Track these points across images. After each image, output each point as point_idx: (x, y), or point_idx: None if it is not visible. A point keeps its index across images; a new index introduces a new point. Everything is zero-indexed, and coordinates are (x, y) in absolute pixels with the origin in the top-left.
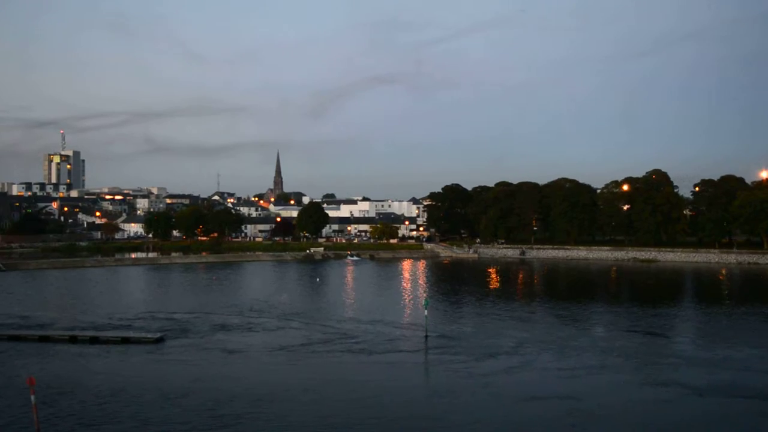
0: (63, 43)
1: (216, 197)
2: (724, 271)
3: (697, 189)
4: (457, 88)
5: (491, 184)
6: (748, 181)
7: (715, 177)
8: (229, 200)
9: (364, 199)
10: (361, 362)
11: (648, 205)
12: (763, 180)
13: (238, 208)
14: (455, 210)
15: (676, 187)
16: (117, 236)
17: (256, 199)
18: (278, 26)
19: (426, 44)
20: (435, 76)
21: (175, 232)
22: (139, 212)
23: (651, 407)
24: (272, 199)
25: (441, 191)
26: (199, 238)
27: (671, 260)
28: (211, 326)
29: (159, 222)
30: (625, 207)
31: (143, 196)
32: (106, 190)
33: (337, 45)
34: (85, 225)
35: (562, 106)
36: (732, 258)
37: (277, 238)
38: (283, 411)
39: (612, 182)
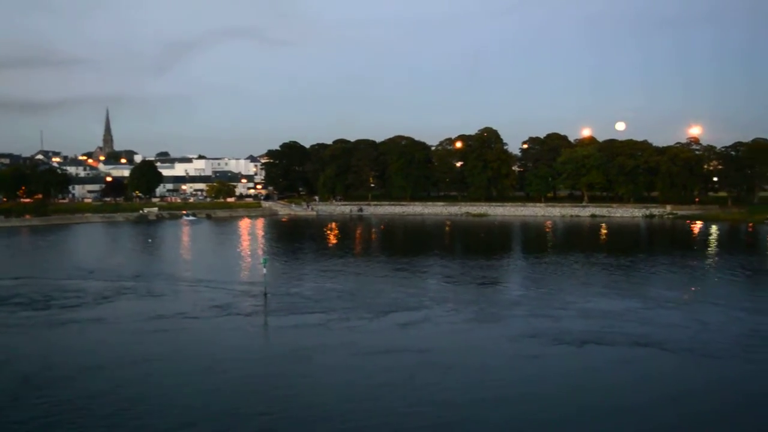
0: None
1: (40, 156)
2: (549, 224)
3: (525, 146)
4: (307, 43)
5: (329, 142)
6: (572, 138)
7: (542, 135)
8: (54, 159)
9: (200, 157)
10: (199, 328)
11: (480, 161)
12: (584, 138)
13: (64, 167)
14: (293, 168)
15: (506, 144)
16: None
17: (85, 158)
18: None
19: None
20: (289, 29)
21: None
22: None
23: (496, 354)
24: (102, 158)
25: (279, 149)
26: (22, 200)
27: (501, 214)
28: (34, 295)
29: None
30: (459, 164)
31: None
32: None
33: None
34: None
35: (409, 64)
36: (556, 211)
37: (108, 199)
38: (108, 384)
39: (446, 139)
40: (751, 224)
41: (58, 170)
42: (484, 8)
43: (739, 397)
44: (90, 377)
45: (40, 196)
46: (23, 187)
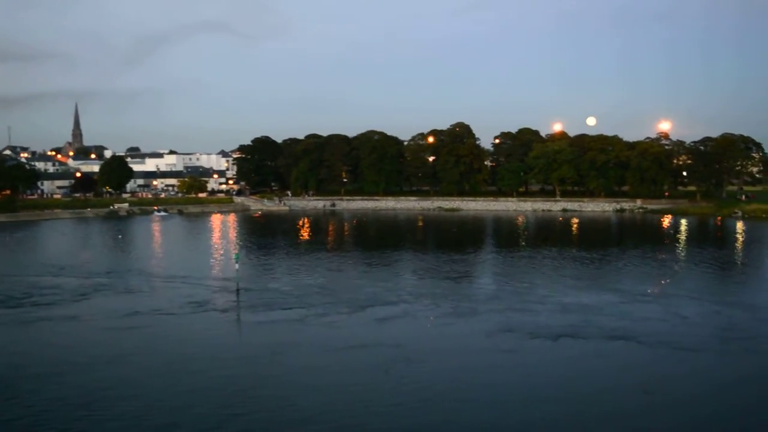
0: None
1: (7, 151)
2: (521, 218)
3: (497, 141)
4: (277, 38)
5: (302, 137)
6: (543, 133)
7: (514, 129)
8: (22, 155)
9: (171, 152)
10: (175, 325)
11: (452, 156)
12: (556, 133)
13: (33, 163)
14: (265, 163)
15: (478, 138)
16: None
17: (53, 153)
18: None
19: None
20: (259, 23)
21: None
22: None
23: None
24: (71, 154)
25: (251, 143)
26: None
27: (473, 209)
28: (5, 292)
29: None
30: (431, 158)
31: None
32: None
33: None
34: None
35: (381, 60)
36: (528, 206)
37: (78, 195)
38: (84, 383)
39: (418, 134)
40: (719, 218)
41: (27, 166)
42: (457, 3)
43: (718, 391)
44: (64, 376)
45: (8, 192)
46: None
